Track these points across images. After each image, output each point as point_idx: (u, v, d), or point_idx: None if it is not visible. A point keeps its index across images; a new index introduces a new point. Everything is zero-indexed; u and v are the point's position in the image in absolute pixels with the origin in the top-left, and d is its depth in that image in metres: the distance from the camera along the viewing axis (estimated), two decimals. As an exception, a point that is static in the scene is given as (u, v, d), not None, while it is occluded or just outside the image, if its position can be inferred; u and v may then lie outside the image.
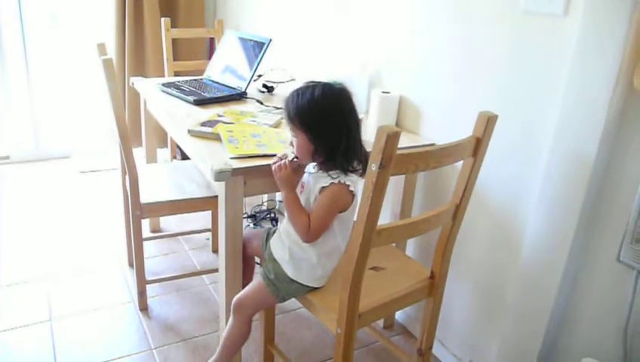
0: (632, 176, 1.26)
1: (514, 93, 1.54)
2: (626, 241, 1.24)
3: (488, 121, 1.34)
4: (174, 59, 3.03)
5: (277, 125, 1.88)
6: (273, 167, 1.41)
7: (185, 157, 3.34)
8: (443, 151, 1.28)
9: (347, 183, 1.34)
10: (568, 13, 1.35)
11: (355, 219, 1.34)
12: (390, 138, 1.11)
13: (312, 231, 1.35)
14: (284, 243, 1.47)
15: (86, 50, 3.49)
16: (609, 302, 1.38)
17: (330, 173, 1.35)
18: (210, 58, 3.66)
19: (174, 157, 3.24)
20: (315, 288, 1.47)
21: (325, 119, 1.32)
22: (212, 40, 3.65)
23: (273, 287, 1.48)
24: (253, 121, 1.88)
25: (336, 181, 1.33)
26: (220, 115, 1.90)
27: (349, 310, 1.33)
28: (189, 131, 1.73)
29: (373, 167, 1.15)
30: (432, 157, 1.26)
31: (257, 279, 1.53)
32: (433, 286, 1.57)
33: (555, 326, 1.50)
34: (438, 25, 1.78)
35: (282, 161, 1.39)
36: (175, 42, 3.07)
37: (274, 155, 1.55)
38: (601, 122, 1.27)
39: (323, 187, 1.35)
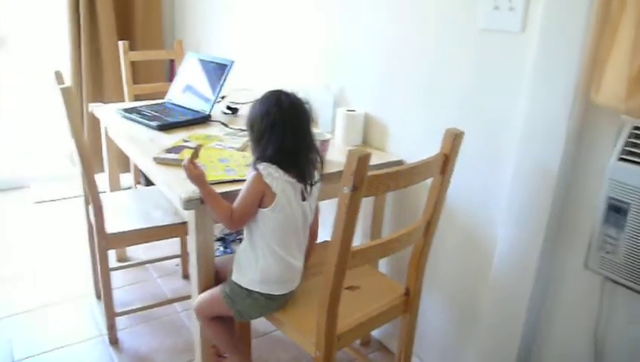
0: (594, 185, 1.30)
1: (477, 107, 1.57)
2: (592, 249, 1.27)
3: (455, 138, 1.36)
4: (134, 83, 2.98)
5: (244, 148, 1.87)
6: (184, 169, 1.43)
7: (149, 182, 3.28)
8: (413, 170, 1.29)
9: (261, 172, 1.37)
10: (525, 29, 1.40)
11: (291, 228, 1.43)
12: (361, 160, 1.12)
13: (234, 214, 1.40)
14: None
15: (40, 74, 3.40)
16: (579, 307, 1.41)
17: (254, 167, 1.40)
18: (170, 80, 3.62)
19: (138, 183, 3.18)
20: (271, 300, 1.45)
21: (254, 116, 1.42)
22: (172, 62, 3.60)
23: (228, 299, 1.49)
24: (220, 145, 1.86)
25: (254, 170, 1.39)
26: (185, 141, 1.87)
27: (327, 332, 1.32)
28: (154, 159, 1.70)
29: (345, 189, 1.15)
30: (402, 177, 1.28)
31: (217, 288, 1.54)
32: (409, 303, 1.58)
33: (529, 334, 1.52)
34: (401, 43, 1.81)
35: (183, 163, 1.41)
36: (134, 65, 3.02)
37: (244, 181, 1.54)
38: (562, 134, 1.30)
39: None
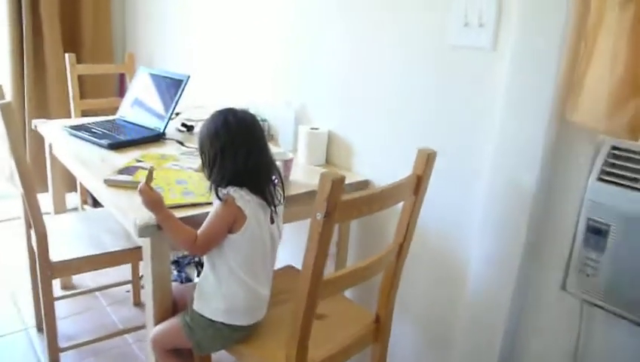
0: (572, 206, 1.27)
1: (447, 125, 1.53)
2: (571, 271, 1.24)
3: (428, 158, 1.31)
4: (81, 98, 2.81)
5: (201, 168, 1.76)
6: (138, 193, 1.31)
7: (97, 202, 3.10)
8: (386, 193, 1.23)
9: (233, 195, 1.29)
10: (497, 47, 1.37)
11: (259, 254, 1.34)
12: (335, 184, 1.04)
13: (198, 240, 1.29)
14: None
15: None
16: (557, 330, 1.37)
17: (223, 191, 1.32)
18: (121, 95, 3.46)
19: (85, 203, 3.00)
20: (235, 331, 1.36)
21: (203, 140, 1.34)
22: (122, 76, 3.44)
23: (188, 329, 1.38)
24: (176, 165, 1.75)
25: (225, 193, 1.30)
26: (138, 161, 1.75)
27: (297, 369, 1.23)
28: (105, 181, 1.57)
29: (318, 215, 1.07)
30: (375, 201, 1.21)
31: (176, 317, 1.42)
32: (379, 331, 1.51)
33: (505, 359, 1.47)
34: (365, 59, 1.76)
35: (139, 187, 1.30)
36: (81, 79, 2.85)
37: (204, 204, 1.44)
38: (538, 153, 1.28)
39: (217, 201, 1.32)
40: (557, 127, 1.28)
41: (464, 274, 1.54)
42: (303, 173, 1.80)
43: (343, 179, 1.06)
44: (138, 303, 2.35)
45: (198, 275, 2.53)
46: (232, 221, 1.29)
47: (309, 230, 1.09)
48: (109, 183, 1.57)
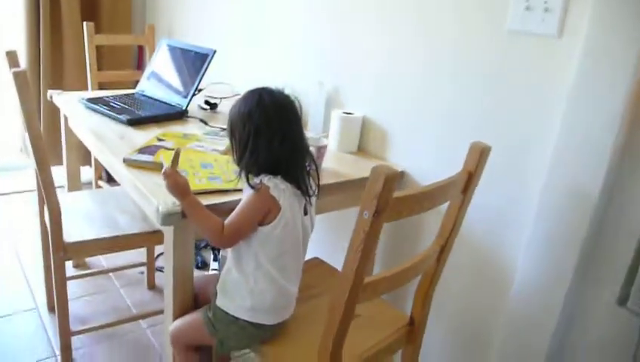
0: (637, 215, 1.15)
1: (499, 118, 1.40)
2: (635, 287, 1.12)
3: (482, 154, 1.19)
4: (98, 69, 2.70)
5: (227, 151, 1.65)
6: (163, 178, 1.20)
7: (111, 178, 3.01)
8: (438, 191, 1.11)
9: (267, 184, 1.18)
10: (563, 34, 1.23)
11: (290, 247, 1.23)
12: (388, 180, 0.93)
13: (226, 231, 1.18)
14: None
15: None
16: (609, 348, 1.26)
17: (256, 179, 1.21)
18: (138, 68, 3.35)
19: (99, 178, 2.90)
20: (260, 329, 1.26)
21: (234, 121, 1.23)
22: (141, 48, 3.33)
23: (211, 326, 1.28)
24: (200, 146, 1.63)
25: (258, 182, 1.19)
26: (159, 139, 1.64)
27: (329, 378, 1.13)
28: (124, 160, 1.47)
29: (365, 214, 0.96)
30: (427, 199, 1.09)
31: (198, 312, 1.33)
32: (413, 333, 1.41)
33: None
34: (411, 41, 1.62)
35: (164, 170, 1.19)
36: (98, 50, 2.73)
37: (232, 191, 1.33)
38: (605, 154, 1.15)
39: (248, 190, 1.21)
40: (628, 127, 1.15)
41: (507, 280, 1.42)
42: (333, 161, 1.68)
43: (396, 175, 0.94)
44: (152, 286, 2.27)
45: (214, 259, 2.44)
46: (264, 212, 1.18)
47: (355, 229, 0.98)
48: (129, 163, 1.46)
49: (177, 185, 1.18)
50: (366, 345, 1.30)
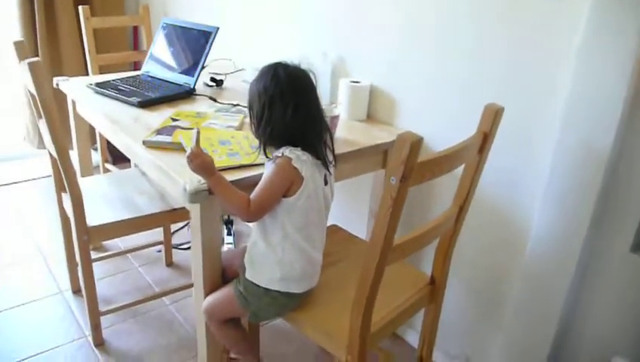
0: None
1: (508, 78, 1.43)
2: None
3: (496, 115, 1.23)
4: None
5: (241, 126, 1.68)
6: (187, 161, 1.23)
7: (117, 161, 3.03)
8: (456, 153, 1.15)
9: (289, 156, 1.21)
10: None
11: (315, 216, 1.27)
12: (413, 147, 0.96)
13: (252, 206, 1.21)
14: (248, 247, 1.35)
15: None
16: (624, 296, 1.32)
17: (276, 152, 1.24)
18: (135, 49, 3.34)
19: (106, 161, 2.93)
20: (291, 299, 1.31)
21: (252, 95, 1.27)
22: (136, 29, 3.31)
23: (243, 300, 1.33)
24: (214, 124, 1.66)
25: (280, 154, 1.23)
26: (173, 119, 1.67)
27: (361, 336, 1.19)
28: (144, 142, 1.49)
29: (392, 180, 1.00)
30: (446, 162, 1.13)
31: (229, 287, 1.37)
32: (434, 292, 1.47)
33: (564, 326, 1.44)
34: (415, 9, 1.64)
35: (187, 153, 1.22)
36: (93, 34, 2.71)
37: (252, 166, 1.37)
38: (617, 111, 1.18)
39: (270, 163, 1.25)
40: (639, 81, 1.18)
41: (523, 239, 1.47)
42: (344, 130, 1.71)
43: (421, 140, 0.98)
44: (170, 264, 2.32)
45: (228, 234, 2.49)
46: (288, 184, 1.22)
47: (382, 194, 1.02)
48: (149, 145, 1.49)
49: (205, 164, 1.21)
50: (392, 304, 1.36)
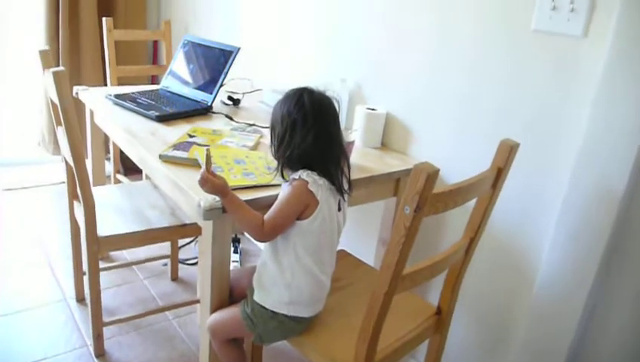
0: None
1: (524, 116, 1.45)
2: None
3: (510, 151, 1.24)
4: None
5: (256, 146, 1.70)
6: (199, 184, 1.23)
7: (128, 172, 3.05)
8: (471, 186, 1.16)
9: (306, 179, 1.23)
10: (588, 34, 1.27)
11: (327, 241, 1.29)
12: (430, 178, 0.98)
13: (266, 226, 1.23)
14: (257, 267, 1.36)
15: (8, 50, 3.11)
16: (633, 338, 1.31)
17: (293, 174, 1.25)
18: (154, 63, 3.39)
19: (117, 172, 2.95)
20: (298, 323, 1.31)
21: (275, 117, 1.29)
22: (156, 43, 3.37)
23: (249, 322, 1.33)
24: (230, 142, 1.68)
25: (297, 177, 1.24)
26: (190, 135, 1.69)
27: (366, 363, 1.18)
28: (160, 157, 1.51)
29: (407, 209, 1.01)
30: (460, 195, 1.14)
31: (236, 307, 1.37)
32: (440, 323, 1.46)
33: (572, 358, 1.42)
34: (429, 40, 1.67)
35: (200, 176, 1.22)
36: (115, 45, 2.76)
37: (266, 186, 1.38)
38: (632, 154, 1.19)
39: (287, 185, 1.26)
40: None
41: (531, 273, 1.47)
42: (358, 156, 1.73)
43: (437, 172, 0.99)
44: (176, 278, 2.32)
45: (234, 252, 2.49)
46: (303, 207, 1.23)
47: (395, 223, 1.03)
48: (165, 159, 1.51)
49: (216, 187, 1.21)
50: (398, 333, 1.35)
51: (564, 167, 1.36)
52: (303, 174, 1.23)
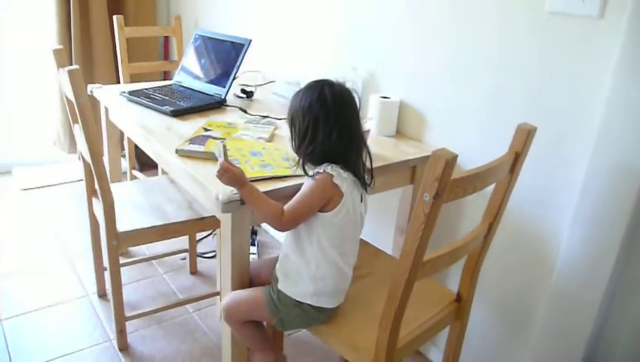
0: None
1: (540, 100, 1.43)
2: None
3: (528, 135, 1.23)
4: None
5: (271, 138, 1.70)
6: (217, 176, 1.24)
7: (143, 167, 3.08)
8: (489, 172, 1.15)
9: (331, 173, 1.23)
10: (605, 14, 1.26)
11: (350, 232, 1.29)
12: (448, 164, 0.97)
13: (286, 215, 1.23)
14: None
15: (21, 50, 3.14)
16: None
17: (317, 168, 1.26)
18: (165, 59, 3.41)
19: (133, 168, 2.97)
20: (321, 313, 1.32)
21: (295, 111, 1.28)
22: (167, 39, 3.38)
23: (273, 306, 1.34)
24: (246, 135, 1.69)
25: (321, 170, 1.24)
26: (206, 129, 1.70)
27: (388, 351, 1.19)
28: (177, 151, 1.52)
29: (426, 196, 1.00)
30: (479, 180, 1.14)
31: (259, 290, 1.38)
32: (460, 310, 1.46)
33: (593, 348, 1.42)
34: (446, 26, 1.65)
35: (218, 168, 1.23)
36: (126, 42, 2.78)
37: (284, 177, 1.39)
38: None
39: (310, 179, 1.26)
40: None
41: (551, 258, 1.46)
42: (374, 145, 1.72)
43: (455, 158, 0.99)
44: (194, 272, 2.34)
45: (252, 244, 2.51)
46: (327, 200, 1.23)
47: (414, 210, 1.03)
48: (181, 153, 1.52)
49: (235, 177, 1.22)
50: (419, 320, 1.35)
51: (582, 151, 1.35)
52: (328, 168, 1.24)
